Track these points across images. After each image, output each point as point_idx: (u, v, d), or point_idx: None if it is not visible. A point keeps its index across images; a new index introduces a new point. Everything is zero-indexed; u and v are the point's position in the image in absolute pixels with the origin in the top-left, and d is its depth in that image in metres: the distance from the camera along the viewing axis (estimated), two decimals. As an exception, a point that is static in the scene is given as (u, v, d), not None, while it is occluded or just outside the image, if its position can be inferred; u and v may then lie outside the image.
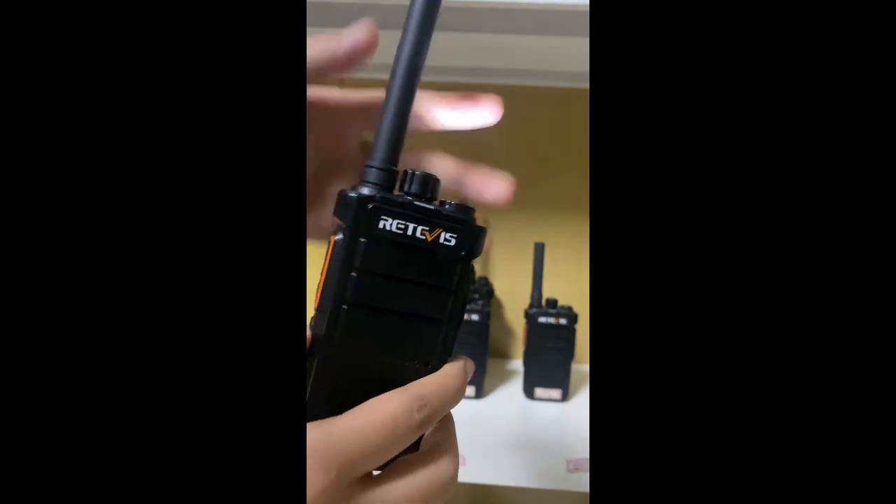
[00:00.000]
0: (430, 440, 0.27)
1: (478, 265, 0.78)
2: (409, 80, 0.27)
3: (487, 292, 0.74)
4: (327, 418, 0.23)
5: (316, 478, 0.22)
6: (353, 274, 0.26)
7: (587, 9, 0.51)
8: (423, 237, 0.26)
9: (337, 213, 0.26)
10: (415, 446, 0.27)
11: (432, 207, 0.26)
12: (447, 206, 0.27)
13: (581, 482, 0.57)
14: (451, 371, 0.27)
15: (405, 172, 0.27)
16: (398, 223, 0.26)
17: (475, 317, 0.66)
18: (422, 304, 0.27)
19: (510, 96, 0.56)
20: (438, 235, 0.26)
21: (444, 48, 0.60)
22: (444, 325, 0.27)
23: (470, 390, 0.66)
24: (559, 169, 0.74)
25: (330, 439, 0.22)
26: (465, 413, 0.64)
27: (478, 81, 0.70)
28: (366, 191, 0.26)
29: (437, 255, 0.26)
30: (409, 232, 0.26)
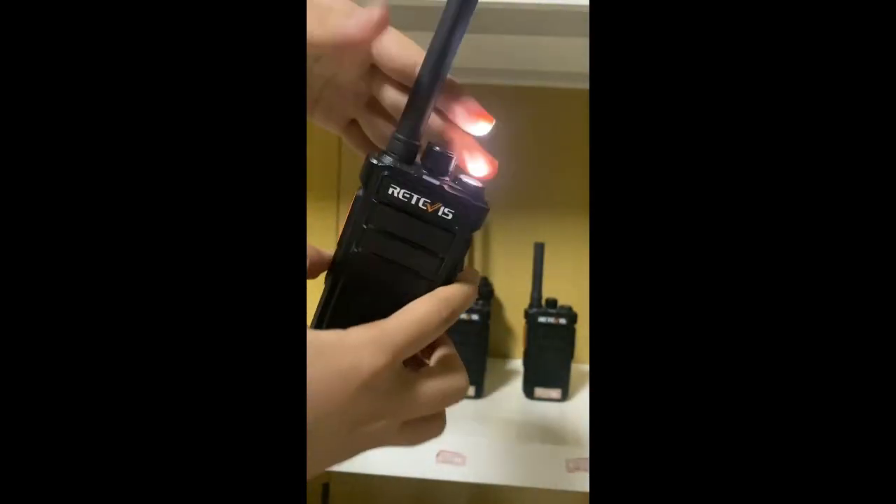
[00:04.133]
0: (438, 356, 0.33)
1: (478, 265, 0.78)
2: (438, 64, 0.29)
3: (487, 292, 0.74)
4: (379, 320, 0.29)
5: (375, 360, 0.27)
6: (365, 227, 0.30)
7: (587, 9, 0.51)
8: (425, 208, 0.30)
9: (360, 174, 0.30)
10: (427, 354, 0.34)
11: (437, 183, 0.30)
12: (458, 183, 0.30)
13: (581, 482, 0.57)
14: (467, 276, 0.33)
15: (427, 146, 0.30)
16: (405, 192, 0.29)
17: (475, 317, 0.66)
18: (416, 263, 0.31)
19: (510, 96, 0.56)
20: (438, 208, 0.30)
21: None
22: (432, 281, 0.31)
23: (470, 390, 0.66)
24: (559, 169, 0.74)
25: (384, 332, 0.28)
26: (465, 412, 0.64)
27: (478, 81, 0.70)
28: (386, 160, 0.30)
29: (434, 224, 0.30)
30: (413, 201, 0.30)
